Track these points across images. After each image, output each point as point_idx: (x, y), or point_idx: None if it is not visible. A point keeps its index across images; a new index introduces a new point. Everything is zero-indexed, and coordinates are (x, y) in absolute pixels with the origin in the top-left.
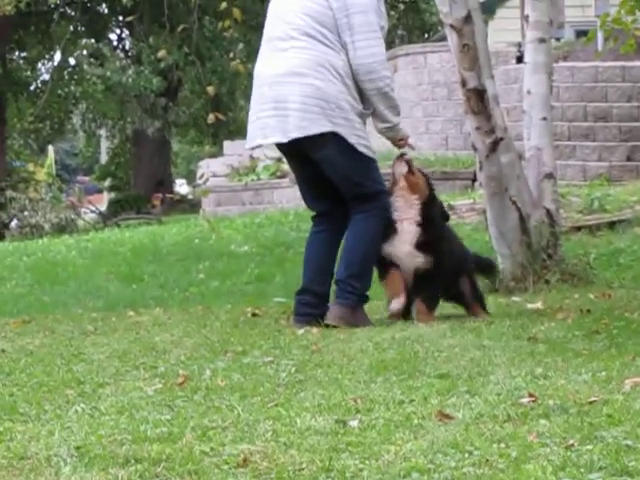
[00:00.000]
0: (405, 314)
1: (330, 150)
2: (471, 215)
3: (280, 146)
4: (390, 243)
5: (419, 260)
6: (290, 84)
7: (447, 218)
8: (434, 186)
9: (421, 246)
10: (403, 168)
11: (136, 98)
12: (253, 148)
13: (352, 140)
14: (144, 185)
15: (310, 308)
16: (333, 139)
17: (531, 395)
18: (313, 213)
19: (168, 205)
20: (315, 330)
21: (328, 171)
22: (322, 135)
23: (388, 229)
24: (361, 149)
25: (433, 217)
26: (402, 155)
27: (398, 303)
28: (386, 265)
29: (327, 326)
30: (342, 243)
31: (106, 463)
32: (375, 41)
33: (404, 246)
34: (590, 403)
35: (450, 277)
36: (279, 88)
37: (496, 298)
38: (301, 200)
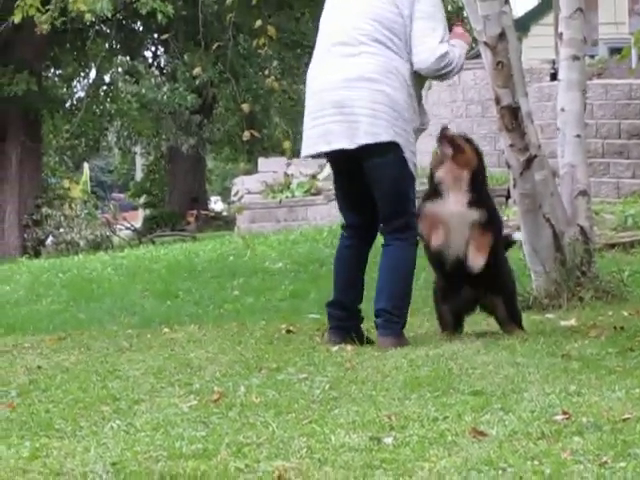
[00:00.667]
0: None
1: (386, 159)
2: (506, 232)
3: (334, 153)
4: (438, 203)
5: (474, 215)
6: (359, 89)
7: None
8: (481, 151)
9: (474, 203)
10: (448, 149)
11: (171, 115)
12: (313, 157)
13: (407, 154)
14: (179, 202)
15: (339, 321)
16: (392, 149)
17: (565, 412)
18: (345, 223)
19: (203, 222)
20: (349, 347)
21: (375, 180)
22: (385, 143)
23: (432, 193)
24: (411, 166)
25: (483, 182)
26: (444, 132)
27: (437, 239)
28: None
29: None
30: (379, 270)
31: None
32: (429, 37)
33: (456, 206)
34: (624, 420)
35: (493, 283)
36: (346, 92)
37: (530, 315)
38: (335, 217)
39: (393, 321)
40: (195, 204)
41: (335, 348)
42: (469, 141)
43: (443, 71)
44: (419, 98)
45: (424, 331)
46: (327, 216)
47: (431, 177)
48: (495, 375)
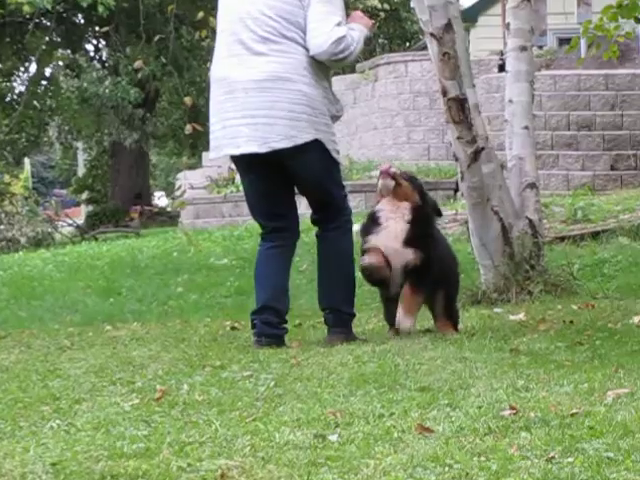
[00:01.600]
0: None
1: (310, 157)
2: (453, 226)
3: (242, 157)
4: (376, 236)
5: (408, 256)
6: (275, 90)
7: (440, 214)
8: (422, 185)
9: (410, 242)
10: (390, 183)
11: (113, 109)
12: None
13: (329, 146)
14: (122, 198)
15: (273, 328)
16: (314, 146)
17: (512, 408)
18: (263, 230)
19: (146, 218)
20: (295, 344)
21: (301, 179)
22: (306, 143)
23: (370, 223)
24: (334, 155)
25: (423, 217)
26: (386, 168)
27: (369, 259)
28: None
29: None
30: (319, 264)
31: None
32: (324, 22)
33: (392, 242)
34: (572, 415)
35: (435, 277)
36: (262, 95)
37: (478, 309)
38: None
39: (344, 318)
40: (139, 200)
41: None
42: (408, 177)
43: (340, 55)
44: (329, 85)
45: (371, 327)
46: None
47: (372, 212)
48: (442, 370)
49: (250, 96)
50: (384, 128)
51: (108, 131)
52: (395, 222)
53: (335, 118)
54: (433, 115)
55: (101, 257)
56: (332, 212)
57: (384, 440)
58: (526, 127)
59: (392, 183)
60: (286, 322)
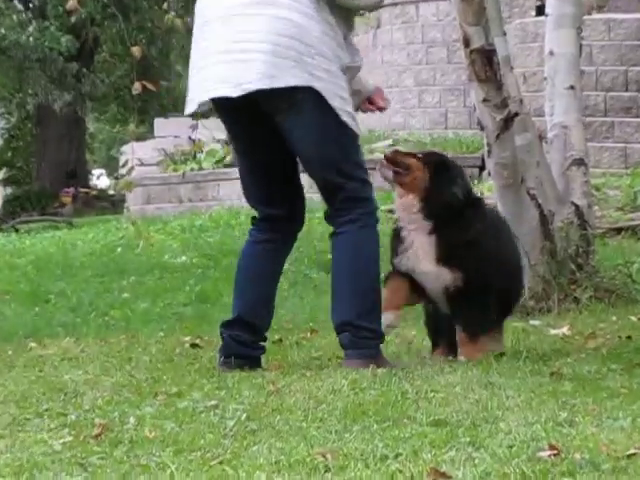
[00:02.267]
0: (449, 350)
1: (302, 112)
2: None
3: (219, 107)
4: (406, 257)
5: (445, 278)
6: (256, 17)
7: (471, 199)
8: (442, 160)
9: (444, 259)
10: (387, 172)
11: (39, 63)
12: (194, 115)
13: (334, 102)
14: (50, 177)
15: (246, 347)
16: (309, 98)
17: (553, 447)
18: (256, 215)
19: (82, 203)
20: (273, 365)
21: (296, 143)
22: (294, 90)
23: (394, 239)
24: (345, 118)
25: (447, 212)
26: (386, 155)
27: (388, 319)
28: (394, 273)
29: None
30: (333, 269)
31: None
32: None
33: (423, 264)
34: (628, 457)
35: (502, 285)
36: (239, 22)
37: (510, 322)
38: None
39: (363, 336)
40: (72, 180)
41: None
42: (424, 154)
43: None
44: (345, 32)
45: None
46: None
47: (396, 226)
48: (463, 400)
49: (226, 26)
50: (389, 88)
51: (33, 91)
52: (417, 233)
53: (351, 70)
54: (451, 71)
55: (23, 254)
56: (348, 202)
57: None
58: (572, 87)
59: (390, 172)
60: (264, 340)
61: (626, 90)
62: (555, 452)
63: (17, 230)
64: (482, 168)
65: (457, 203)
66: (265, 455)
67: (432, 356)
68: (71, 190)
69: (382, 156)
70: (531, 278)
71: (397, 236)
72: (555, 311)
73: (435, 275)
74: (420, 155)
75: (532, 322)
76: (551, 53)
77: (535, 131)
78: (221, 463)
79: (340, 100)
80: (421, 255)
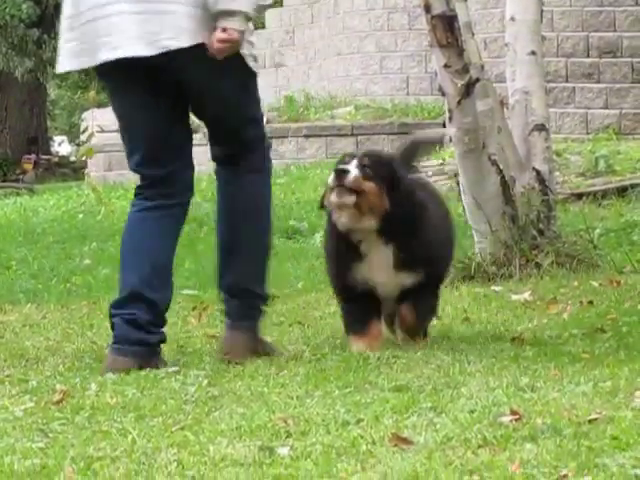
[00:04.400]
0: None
1: (215, 63)
2: (440, 180)
3: (119, 65)
4: (363, 270)
5: (405, 283)
6: None
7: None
8: (395, 179)
9: (403, 266)
10: (349, 200)
11: (0, 30)
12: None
13: (244, 49)
14: (11, 144)
15: (140, 330)
16: None
17: (514, 412)
18: (140, 183)
19: (43, 170)
20: None
21: (203, 95)
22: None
23: (346, 253)
24: (251, 63)
25: (405, 226)
26: (340, 175)
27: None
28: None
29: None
30: (221, 221)
31: None
32: None
33: (381, 274)
34: (590, 422)
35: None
36: None
37: (471, 287)
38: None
39: (252, 306)
40: (33, 146)
41: (214, 332)
42: (376, 171)
43: None
44: None
45: (332, 309)
46: (205, 160)
47: (333, 227)
48: (424, 365)
49: None
50: (350, 54)
51: None
52: (373, 246)
53: (260, 8)
54: (413, 37)
55: None
56: (248, 144)
57: (349, 454)
58: (533, 52)
59: (352, 199)
60: (163, 324)
61: (587, 56)
62: (517, 417)
63: None
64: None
65: (414, 218)
66: (226, 421)
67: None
68: (32, 157)
69: (333, 179)
70: (492, 244)
71: (349, 249)
72: (517, 277)
73: (394, 283)
74: (370, 173)
75: (494, 288)
76: (512, 19)
77: (496, 97)
78: (183, 429)
79: (247, 44)
80: (379, 266)
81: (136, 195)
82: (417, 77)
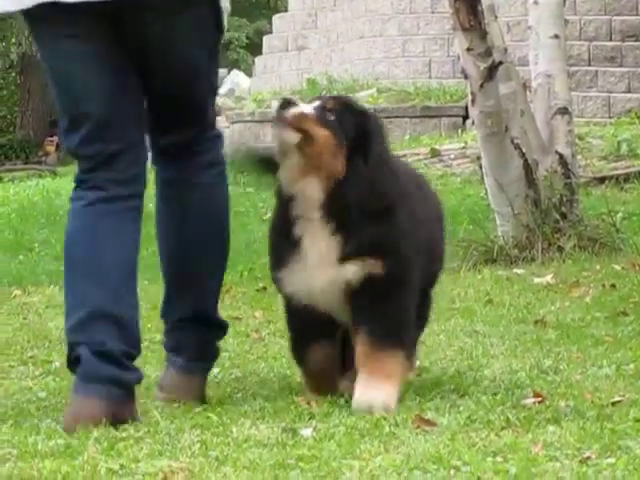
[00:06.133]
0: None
1: (180, 19)
2: (462, 163)
3: (65, 10)
4: (291, 270)
5: (354, 274)
6: None
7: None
8: (366, 134)
9: (350, 256)
10: (291, 136)
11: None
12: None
13: (222, 2)
14: (34, 126)
15: (112, 363)
16: None
17: (537, 394)
18: (82, 167)
19: (65, 152)
20: (258, 313)
21: (166, 61)
22: None
23: (280, 241)
24: (225, 19)
25: (365, 199)
26: (285, 105)
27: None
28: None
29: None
30: (167, 234)
31: None
32: None
33: (320, 275)
34: (613, 404)
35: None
36: None
37: (494, 270)
38: None
39: (214, 340)
40: (56, 129)
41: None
42: (338, 119)
43: None
44: None
45: None
46: None
47: (279, 191)
48: (447, 348)
49: None
50: (373, 37)
51: (16, 40)
52: (314, 231)
53: None
54: (436, 20)
55: (7, 203)
56: (203, 136)
57: (372, 436)
58: (556, 36)
59: (294, 136)
60: (138, 353)
61: (610, 40)
62: (539, 399)
63: (1, 179)
64: (466, 117)
65: (383, 201)
66: (250, 402)
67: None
68: (55, 139)
69: (276, 110)
70: (515, 227)
71: (284, 235)
72: (539, 260)
73: (336, 281)
74: (329, 120)
75: (516, 271)
76: (535, 2)
77: (519, 80)
78: (206, 410)
79: None
80: (318, 263)
81: (79, 184)
82: (439, 60)
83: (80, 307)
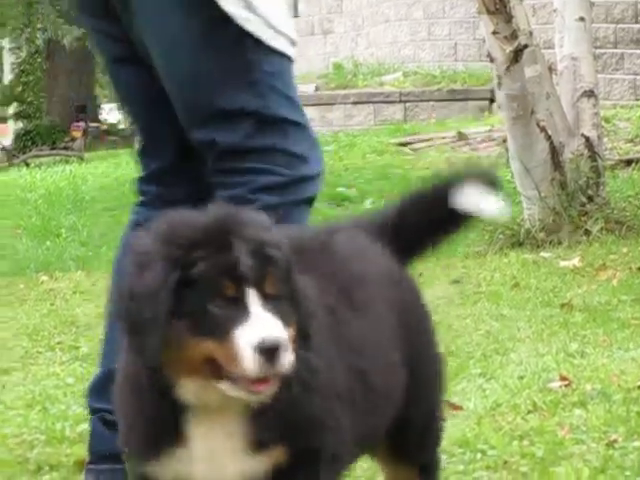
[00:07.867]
0: None
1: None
2: (489, 146)
3: None
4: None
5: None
6: None
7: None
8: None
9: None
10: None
11: None
12: None
13: (229, 6)
14: (60, 112)
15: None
16: None
17: (563, 378)
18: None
19: (92, 138)
20: None
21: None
22: None
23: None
24: (246, 25)
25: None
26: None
27: None
28: None
29: None
30: None
31: (12, 471)
32: None
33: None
34: (639, 387)
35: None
36: None
37: (520, 253)
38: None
39: None
40: (82, 114)
41: None
42: None
43: None
44: None
45: None
46: None
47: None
48: (474, 331)
49: None
50: (398, 21)
51: (42, 26)
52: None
53: None
54: (461, 4)
55: (34, 188)
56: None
57: None
58: (581, 19)
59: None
60: None
61: (636, 22)
62: (566, 383)
63: (28, 165)
64: (492, 100)
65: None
66: None
67: None
68: (81, 124)
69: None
70: (541, 210)
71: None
72: (565, 243)
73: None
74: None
75: (542, 254)
76: None
77: (545, 63)
78: None
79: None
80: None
81: (137, 202)
82: (465, 43)
83: (103, 365)
